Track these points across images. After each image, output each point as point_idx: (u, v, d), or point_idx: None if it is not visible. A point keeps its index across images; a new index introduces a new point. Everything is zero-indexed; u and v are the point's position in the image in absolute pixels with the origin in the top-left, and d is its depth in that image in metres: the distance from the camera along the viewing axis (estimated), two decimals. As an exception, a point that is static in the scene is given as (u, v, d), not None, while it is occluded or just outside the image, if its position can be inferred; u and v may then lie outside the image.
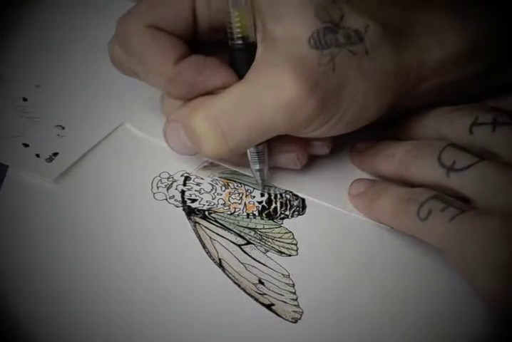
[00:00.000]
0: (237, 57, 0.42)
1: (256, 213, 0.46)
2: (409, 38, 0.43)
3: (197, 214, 0.45)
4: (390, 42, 0.42)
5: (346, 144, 0.48)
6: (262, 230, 0.45)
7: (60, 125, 0.48)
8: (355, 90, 0.42)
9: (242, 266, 0.43)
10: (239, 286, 0.42)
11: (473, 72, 0.46)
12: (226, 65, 0.42)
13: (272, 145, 0.45)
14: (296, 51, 0.41)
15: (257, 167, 0.45)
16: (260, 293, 0.42)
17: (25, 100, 0.50)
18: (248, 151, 0.45)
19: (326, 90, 0.41)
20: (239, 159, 0.46)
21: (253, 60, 0.42)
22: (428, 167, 0.43)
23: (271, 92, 0.41)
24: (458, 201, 0.41)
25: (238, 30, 0.42)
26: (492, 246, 0.38)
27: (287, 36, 0.41)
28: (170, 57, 0.42)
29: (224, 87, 0.42)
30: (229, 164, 0.47)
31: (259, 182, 0.46)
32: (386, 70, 0.42)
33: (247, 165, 0.46)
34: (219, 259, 0.43)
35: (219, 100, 0.42)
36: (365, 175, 0.47)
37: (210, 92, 0.42)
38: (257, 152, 0.45)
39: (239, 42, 0.42)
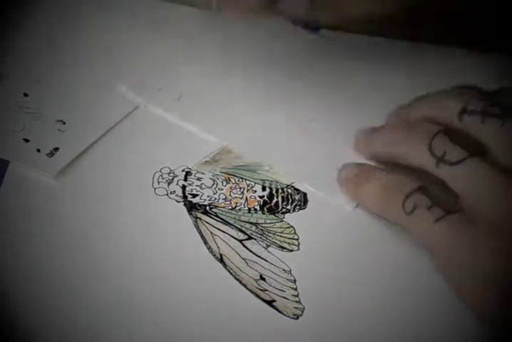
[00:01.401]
0: None
1: (257, 207, 0.46)
2: None
3: (198, 209, 0.45)
4: None
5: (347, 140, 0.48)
6: (263, 225, 0.45)
7: (61, 120, 0.48)
8: None
9: (243, 261, 0.43)
10: (240, 282, 0.42)
11: None
12: None
13: None
14: None
15: None
16: (261, 290, 0.42)
17: (26, 95, 0.49)
18: None
19: None
20: None
21: None
22: (419, 152, 0.42)
23: None
24: (444, 197, 0.41)
25: None
26: (480, 257, 0.38)
27: None
28: None
29: None
30: None
31: None
32: None
33: None
34: (221, 255, 0.43)
35: None
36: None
37: None
38: None
39: None
